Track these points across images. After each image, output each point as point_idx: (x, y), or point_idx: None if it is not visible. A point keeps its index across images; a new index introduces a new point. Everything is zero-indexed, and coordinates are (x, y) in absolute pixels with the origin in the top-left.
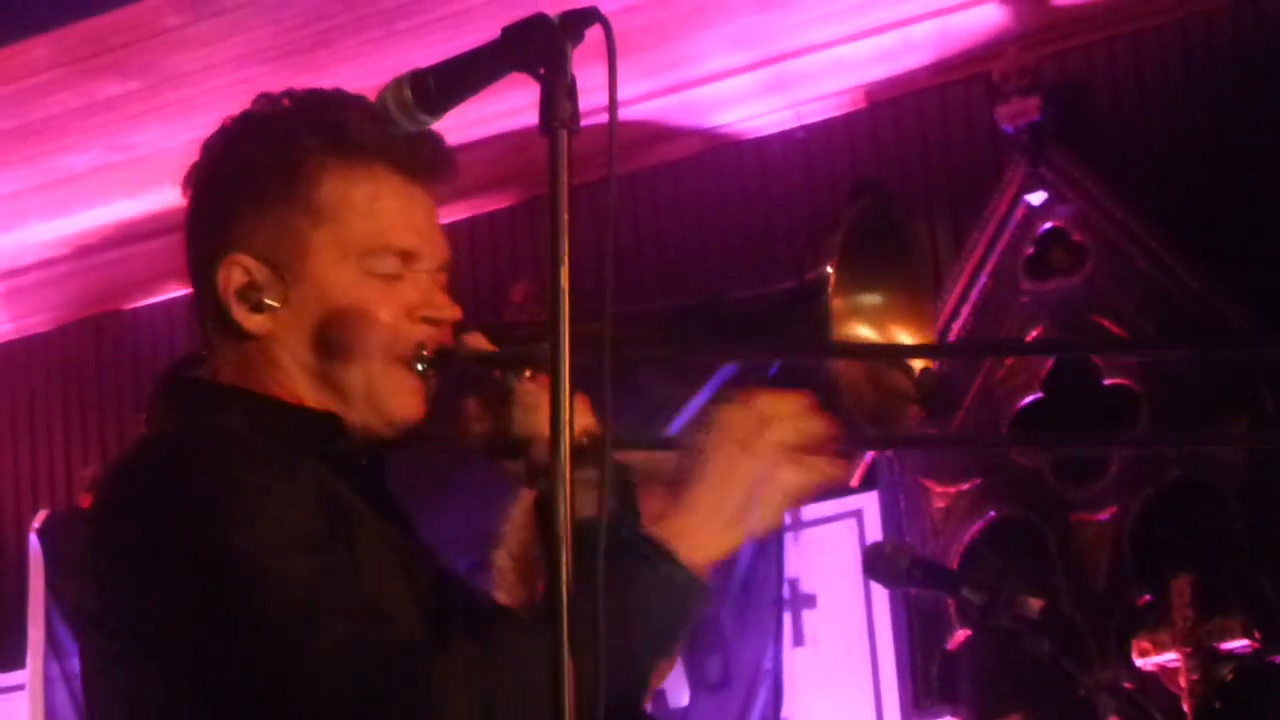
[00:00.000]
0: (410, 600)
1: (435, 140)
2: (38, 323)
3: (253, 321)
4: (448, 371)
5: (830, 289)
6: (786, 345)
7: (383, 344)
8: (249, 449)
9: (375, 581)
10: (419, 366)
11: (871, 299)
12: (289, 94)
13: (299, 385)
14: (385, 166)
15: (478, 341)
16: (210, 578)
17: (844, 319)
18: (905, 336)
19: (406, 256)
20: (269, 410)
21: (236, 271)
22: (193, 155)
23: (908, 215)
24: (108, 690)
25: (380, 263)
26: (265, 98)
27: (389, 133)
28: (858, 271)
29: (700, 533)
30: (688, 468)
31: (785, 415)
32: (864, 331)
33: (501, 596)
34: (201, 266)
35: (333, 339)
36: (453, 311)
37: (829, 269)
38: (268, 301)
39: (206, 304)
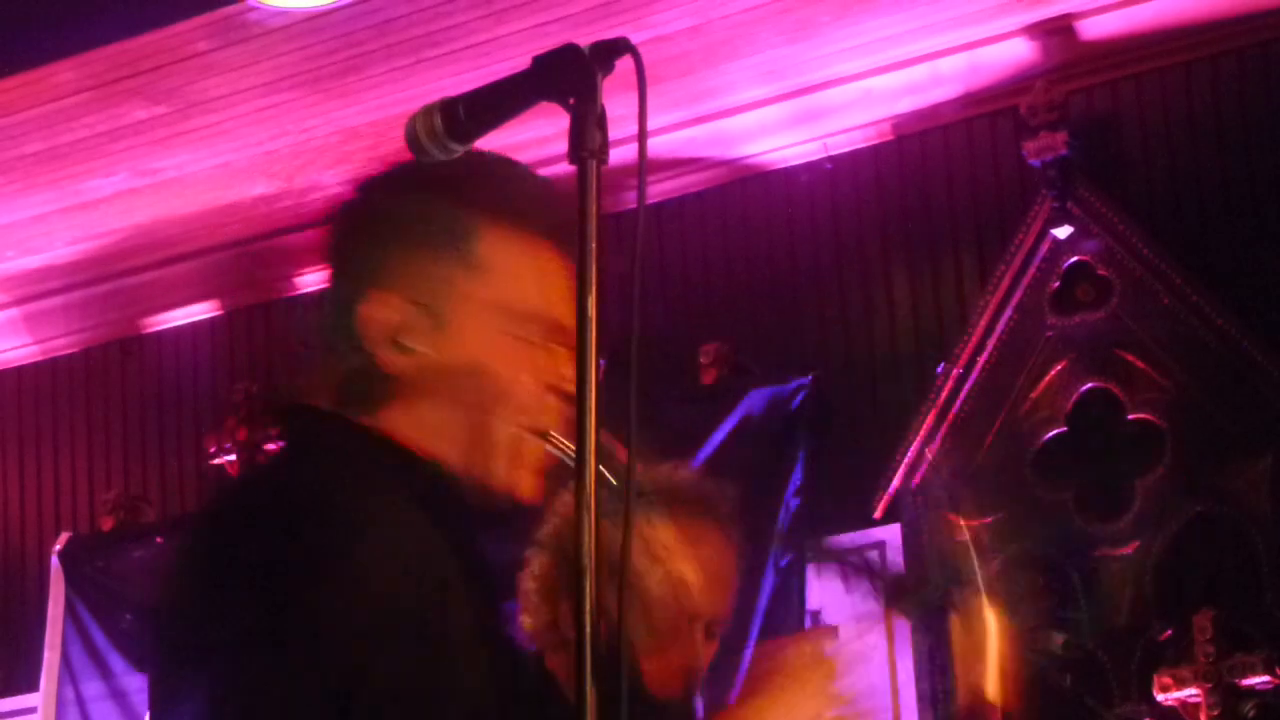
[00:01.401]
0: (478, 678)
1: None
2: (62, 345)
3: (394, 362)
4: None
5: None
6: None
7: (521, 409)
8: (358, 495)
9: (450, 657)
10: (557, 445)
11: None
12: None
13: (426, 432)
14: (547, 240)
15: (605, 439)
16: (296, 614)
17: None
18: None
19: (553, 328)
20: (395, 455)
21: (384, 309)
22: (220, 179)
23: None
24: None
25: (526, 328)
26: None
27: (555, 208)
28: None
29: None
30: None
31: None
32: None
33: (525, 618)
34: (344, 300)
35: (471, 394)
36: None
37: None
38: (411, 344)
39: (342, 339)
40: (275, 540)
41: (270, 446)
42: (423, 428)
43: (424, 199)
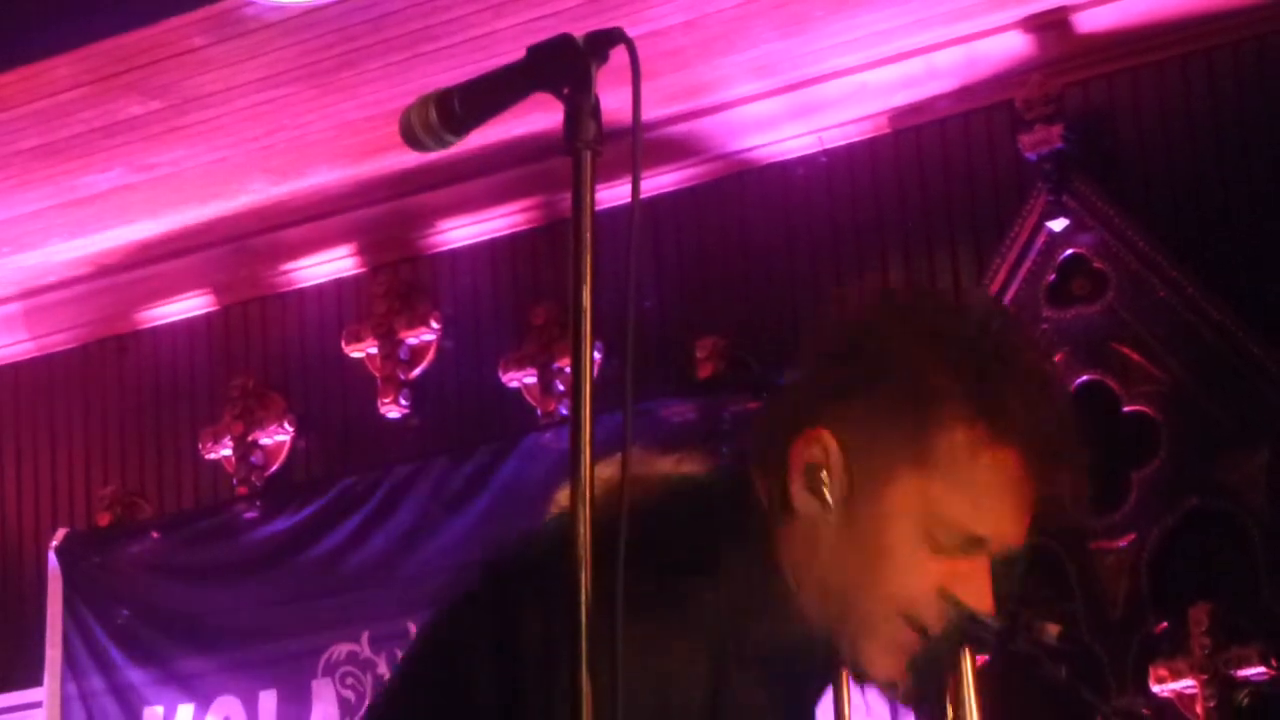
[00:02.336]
0: None
1: (1070, 437)
2: (59, 341)
3: (802, 499)
4: (937, 658)
5: None
6: None
7: (905, 601)
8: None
9: None
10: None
11: None
12: (973, 312)
13: (804, 581)
14: (1016, 453)
15: (987, 614)
16: None
17: None
18: None
19: (974, 542)
20: (778, 614)
21: (817, 447)
22: (216, 175)
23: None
24: None
25: (946, 535)
26: (938, 305)
27: (1037, 420)
28: None
29: None
30: None
31: None
32: None
33: None
34: (784, 423)
35: (864, 568)
36: (985, 605)
37: None
38: (826, 492)
39: (773, 460)
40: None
41: (265, 440)
42: (798, 577)
43: (916, 365)
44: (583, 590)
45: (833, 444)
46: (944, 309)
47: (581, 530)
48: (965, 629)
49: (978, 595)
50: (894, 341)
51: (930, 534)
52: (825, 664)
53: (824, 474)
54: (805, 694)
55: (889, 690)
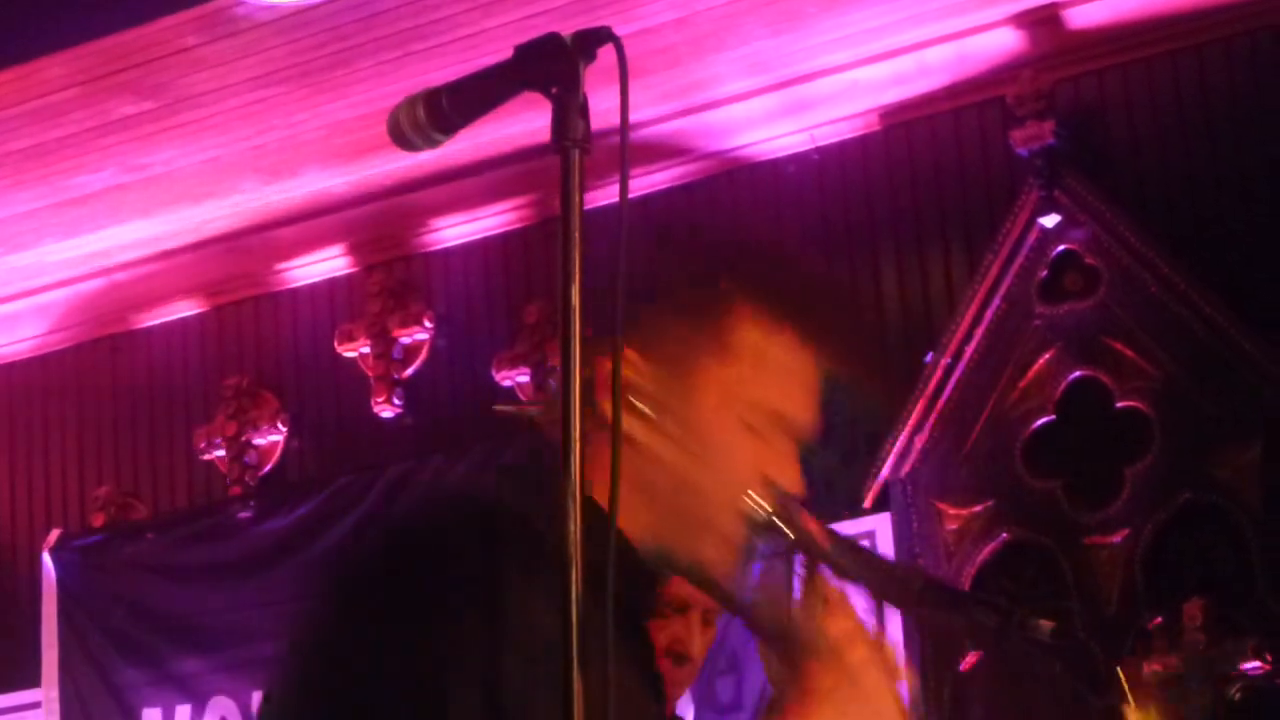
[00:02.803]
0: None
1: (850, 332)
2: (52, 341)
3: (614, 415)
4: (767, 542)
5: None
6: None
7: (726, 487)
8: (541, 539)
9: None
10: (747, 522)
11: None
12: (749, 240)
13: (629, 494)
14: (799, 334)
15: (812, 525)
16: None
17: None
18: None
19: (780, 420)
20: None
21: (623, 364)
22: (208, 175)
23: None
24: None
25: (756, 416)
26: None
27: (823, 310)
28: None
29: None
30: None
31: None
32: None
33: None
34: (591, 344)
35: (682, 470)
36: (796, 485)
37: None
38: (637, 403)
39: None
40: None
41: (260, 442)
42: (625, 489)
43: (704, 278)
44: (573, 589)
45: (634, 355)
46: (723, 240)
47: (573, 530)
48: (785, 513)
49: (789, 474)
50: (674, 258)
51: (742, 420)
52: (650, 578)
53: (632, 390)
54: (636, 613)
55: (725, 596)
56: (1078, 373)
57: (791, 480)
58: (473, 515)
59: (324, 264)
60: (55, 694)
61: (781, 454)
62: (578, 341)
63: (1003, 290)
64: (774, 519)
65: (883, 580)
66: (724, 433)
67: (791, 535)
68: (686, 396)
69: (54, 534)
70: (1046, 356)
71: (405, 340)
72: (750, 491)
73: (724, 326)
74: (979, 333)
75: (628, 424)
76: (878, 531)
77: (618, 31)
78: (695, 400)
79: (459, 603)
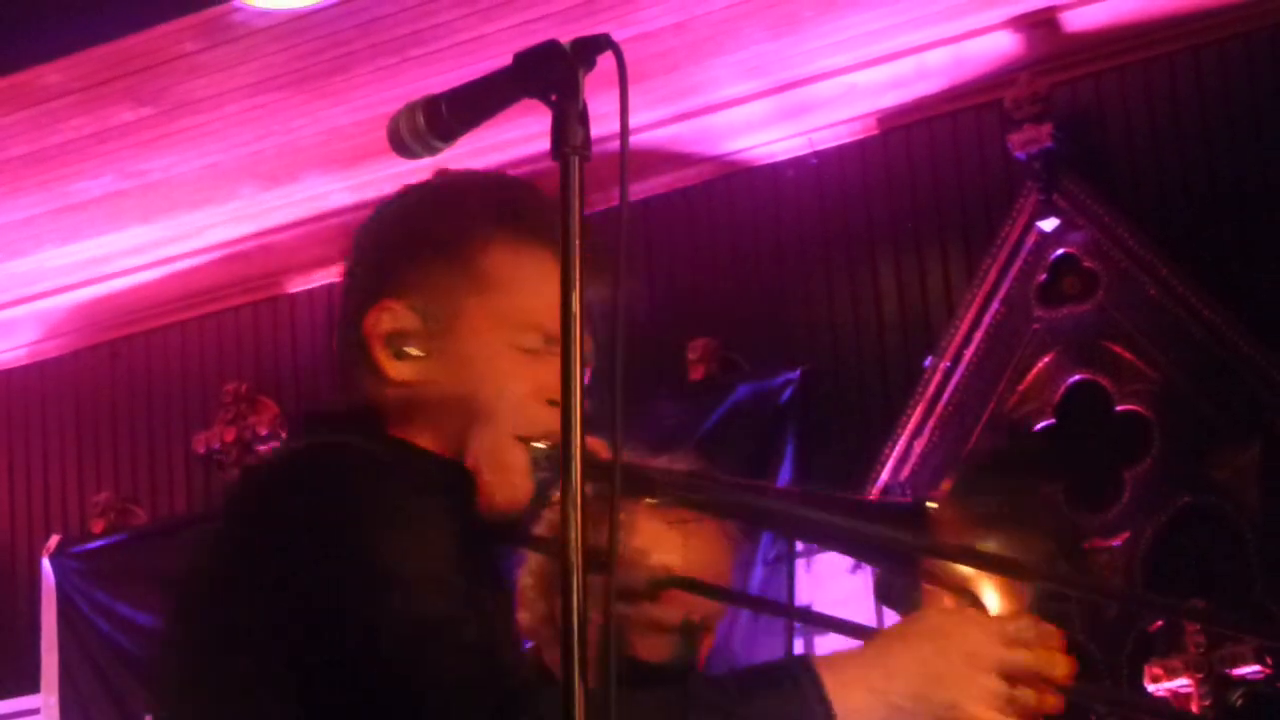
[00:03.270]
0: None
1: (597, 237)
2: (51, 348)
3: (393, 367)
4: (556, 465)
5: (934, 521)
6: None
7: (507, 418)
8: (393, 472)
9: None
10: (534, 449)
11: (979, 543)
12: (469, 171)
13: (421, 437)
14: (551, 253)
15: (596, 446)
16: (344, 594)
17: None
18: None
19: (552, 339)
20: (407, 451)
21: (387, 316)
22: (207, 181)
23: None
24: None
25: (526, 338)
26: (443, 173)
27: (558, 221)
28: (972, 516)
29: (858, 691)
30: (900, 632)
31: (1032, 644)
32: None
33: (523, 614)
34: (354, 307)
35: (463, 401)
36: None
37: (936, 503)
38: (412, 351)
39: (351, 344)
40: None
41: (261, 448)
42: (422, 435)
43: (428, 215)
44: (575, 592)
45: (399, 307)
46: (448, 178)
47: (574, 533)
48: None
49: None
50: (414, 205)
51: (514, 344)
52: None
53: (403, 337)
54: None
55: (521, 515)
56: (1077, 376)
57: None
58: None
59: (322, 269)
60: (55, 700)
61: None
62: (579, 348)
63: (1001, 294)
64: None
65: (883, 582)
66: (498, 359)
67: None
68: (453, 333)
69: (53, 540)
70: (1045, 360)
71: None
72: (537, 443)
73: (476, 259)
74: (978, 336)
75: (414, 371)
76: None
77: (616, 36)
78: (462, 334)
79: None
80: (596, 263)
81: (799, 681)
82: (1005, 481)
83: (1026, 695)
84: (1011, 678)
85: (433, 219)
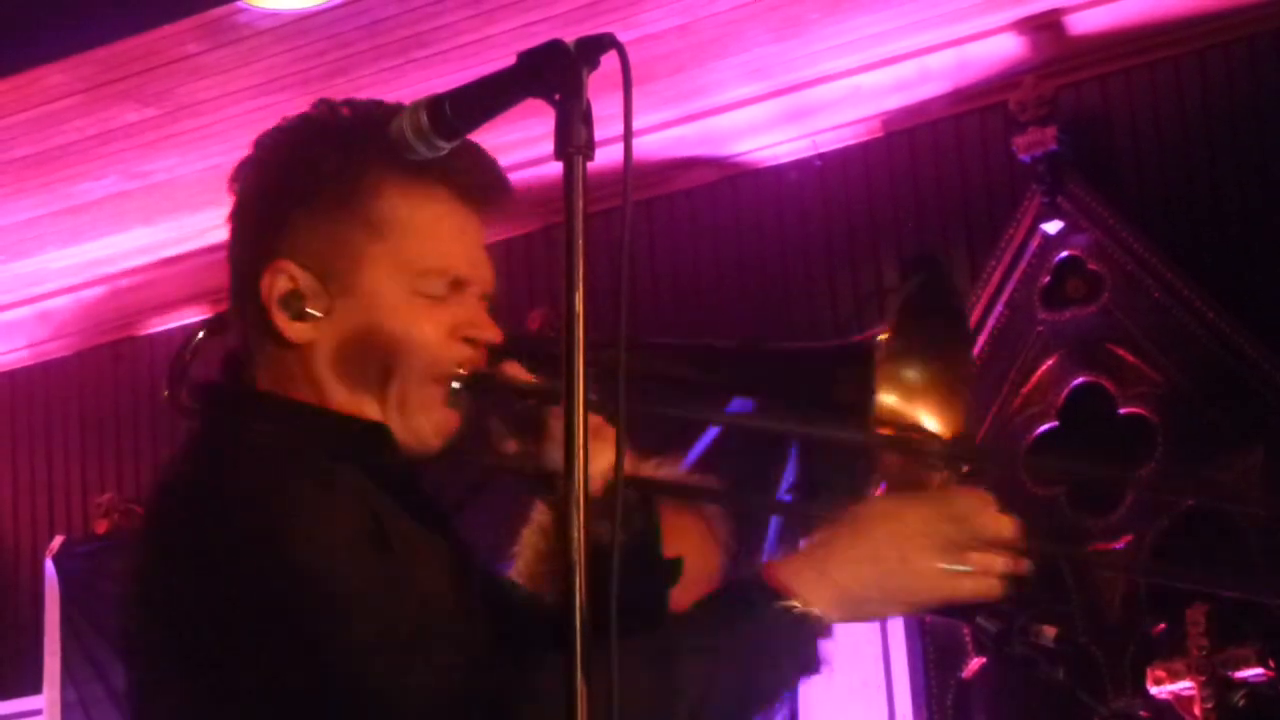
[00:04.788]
0: (455, 599)
1: (495, 168)
2: (55, 349)
3: (294, 329)
4: (483, 396)
5: (880, 355)
6: (827, 418)
7: (422, 362)
8: (292, 463)
9: (419, 584)
10: (454, 385)
11: (913, 374)
12: (350, 103)
13: (335, 396)
14: (447, 190)
15: (515, 370)
16: (265, 591)
17: (885, 387)
18: (936, 418)
19: (457, 282)
20: (312, 419)
21: (282, 279)
22: (210, 182)
23: (961, 297)
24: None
25: (430, 284)
26: (325, 104)
27: (453, 157)
28: (907, 344)
29: (824, 589)
30: (847, 525)
31: (975, 513)
32: (898, 403)
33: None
34: (246, 269)
35: (374, 353)
36: (494, 334)
37: (881, 335)
38: (311, 311)
39: (249, 308)
40: (221, 525)
41: None
42: (332, 392)
43: (314, 158)
44: (576, 590)
45: (293, 267)
46: (332, 115)
47: (576, 534)
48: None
49: (484, 328)
50: (298, 149)
51: (417, 291)
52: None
53: (300, 298)
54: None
55: (437, 438)
56: (1080, 379)
57: (487, 332)
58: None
59: None
60: (57, 701)
61: (472, 313)
62: (581, 347)
63: (1005, 296)
64: (477, 374)
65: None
66: (403, 308)
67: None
68: (354, 288)
69: (57, 541)
70: (1049, 363)
71: None
72: (447, 371)
73: (369, 206)
74: (982, 339)
75: (315, 331)
76: None
77: (620, 38)
78: (363, 287)
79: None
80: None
81: (769, 598)
82: (935, 312)
83: (982, 561)
84: (963, 549)
85: (318, 164)
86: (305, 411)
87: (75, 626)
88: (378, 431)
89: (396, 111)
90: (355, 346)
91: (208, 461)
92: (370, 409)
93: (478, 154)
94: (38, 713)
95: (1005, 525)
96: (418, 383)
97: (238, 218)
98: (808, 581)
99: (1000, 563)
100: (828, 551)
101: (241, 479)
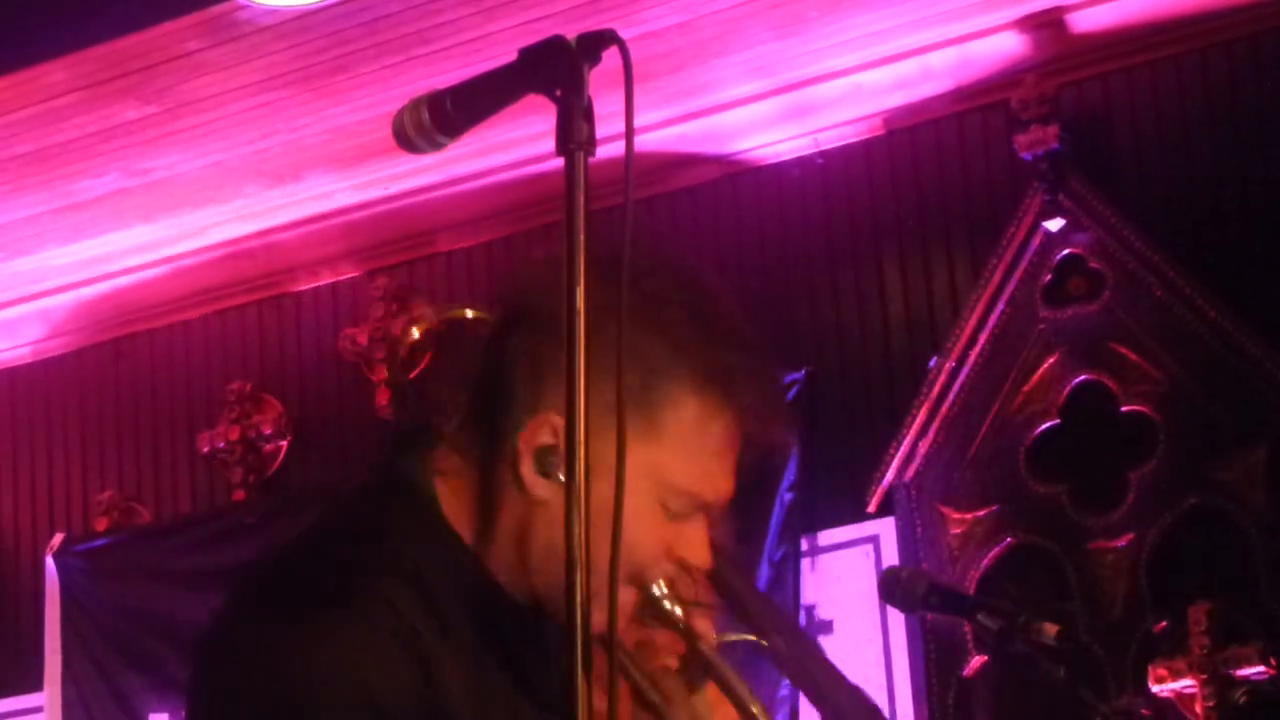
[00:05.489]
0: None
1: (780, 397)
2: (55, 346)
3: (537, 484)
4: (658, 621)
5: None
6: None
7: (636, 566)
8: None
9: None
10: (654, 593)
11: None
12: (683, 283)
13: (532, 561)
14: (732, 414)
15: (704, 627)
16: None
17: None
18: None
19: (700, 505)
20: (481, 584)
21: (548, 432)
22: (211, 179)
23: None
24: None
25: (678, 503)
26: (653, 263)
27: (741, 376)
28: None
29: None
30: None
31: None
32: None
33: None
34: (515, 404)
35: (594, 542)
36: (703, 560)
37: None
38: (559, 473)
39: (494, 440)
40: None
41: (268, 447)
42: (532, 557)
43: (634, 334)
44: (578, 589)
45: (563, 425)
46: (669, 293)
47: (577, 531)
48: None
49: (699, 552)
50: (620, 317)
51: (663, 503)
52: (539, 629)
53: (556, 456)
54: (529, 668)
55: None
56: (1082, 377)
57: (701, 557)
58: None
59: (327, 268)
60: (58, 698)
61: (695, 535)
62: (582, 344)
63: (1007, 294)
64: (665, 603)
65: (887, 582)
66: (643, 511)
67: (679, 625)
68: (606, 471)
69: (57, 538)
70: (1051, 361)
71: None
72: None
73: (661, 410)
74: (983, 337)
75: (551, 492)
76: (882, 536)
77: (621, 35)
78: (611, 476)
79: None
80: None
81: None
82: None
83: None
84: None
85: (631, 344)
86: (473, 570)
87: (76, 624)
88: (536, 617)
89: (730, 320)
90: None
91: (302, 589)
92: (557, 582)
93: (765, 379)
94: (38, 710)
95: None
96: (620, 579)
97: (521, 337)
98: None
99: None
100: None
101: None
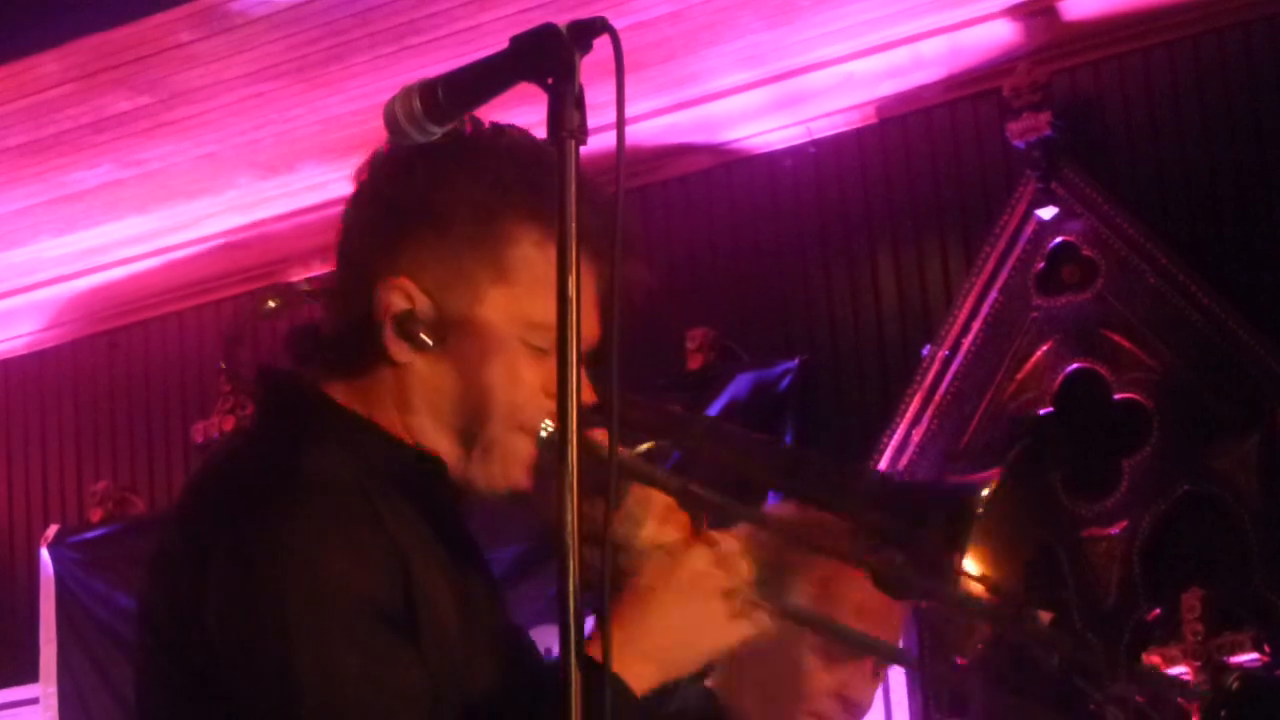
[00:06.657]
0: (476, 663)
1: (629, 230)
2: (50, 337)
3: (400, 349)
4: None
5: (979, 509)
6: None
7: (515, 410)
8: (333, 505)
9: (442, 652)
10: (541, 437)
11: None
12: (508, 131)
13: (418, 424)
14: (581, 249)
15: (599, 438)
16: (250, 648)
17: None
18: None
19: None
20: (377, 444)
21: (399, 296)
22: (204, 170)
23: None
24: (157, 698)
25: (539, 337)
26: (491, 128)
27: (590, 215)
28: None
29: (631, 662)
30: (636, 594)
31: (735, 558)
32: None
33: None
34: (363, 272)
35: (471, 391)
36: (586, 396)
37: (985, 490)
38: (422, 336)
39: (352, 316)
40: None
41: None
42: (413, 419)
43: (466, 192)
44: (571, 578)
45: (414, 289)
46: (491, 141)
47: (570, 520)
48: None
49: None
50: (446, 177)
51: (525, 341)
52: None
53: (413, 321)
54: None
55: (516, 499)
56: (1075, 365)
57: (584, 394)
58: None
59: (320, 258)
60: (54, 690)
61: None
62: (576, 334)
63: (1000, 282)
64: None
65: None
66: (511, 354)
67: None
68: (466, 323)
69: (52, 529)
70: (1044, 349)
71: None
72: (536, 426)
73: (504, 250)
74: (976, 325)
75: (413, 355)
76: None
77: (613, 24)
78: (476, 324)
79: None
80: (615, 247)
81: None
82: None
83: (747, 602)
84: (733, 593)
85: (463, 194)
86: (374, 437)
87: (71, 615)
88: (436, 465)
89: (544, 151)
90: (453, 380)
91: (251, 478)
92: (446, 443)
93: (613, 215)
94: (34, 701)
95: (750, 568)
96: (505, 429)
97: (365, 212)
98: (627, 660)
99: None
100: (634, 627)
101: (274, 520)
